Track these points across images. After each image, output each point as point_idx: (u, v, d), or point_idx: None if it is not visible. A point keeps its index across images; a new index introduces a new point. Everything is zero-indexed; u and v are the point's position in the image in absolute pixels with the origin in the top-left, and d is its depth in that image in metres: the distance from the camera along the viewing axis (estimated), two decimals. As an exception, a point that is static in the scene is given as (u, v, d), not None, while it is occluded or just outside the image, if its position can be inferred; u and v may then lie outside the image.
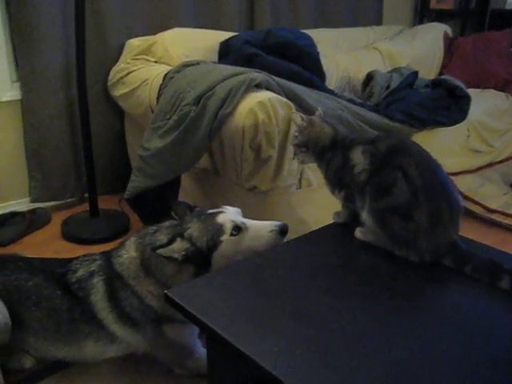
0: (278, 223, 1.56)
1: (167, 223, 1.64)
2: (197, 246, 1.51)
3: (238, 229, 1.53)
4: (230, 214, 1.57)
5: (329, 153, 1.44)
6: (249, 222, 1.56)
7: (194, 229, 1.53)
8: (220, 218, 1.55)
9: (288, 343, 1.00)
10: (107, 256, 1.66)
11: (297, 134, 1.48)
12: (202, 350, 1.65)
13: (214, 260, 1.52)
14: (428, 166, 1.30)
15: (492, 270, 1.22)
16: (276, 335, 1.02)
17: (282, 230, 1.54)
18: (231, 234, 1.52)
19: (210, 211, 1.60)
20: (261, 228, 1.55)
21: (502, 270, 1.20)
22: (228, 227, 1.52)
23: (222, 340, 1.01)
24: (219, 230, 1.52)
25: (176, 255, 1.49)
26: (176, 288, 1.16)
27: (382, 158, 1.32)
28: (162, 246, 1.49)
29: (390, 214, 1.30)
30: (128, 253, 1.62)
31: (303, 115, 1.47)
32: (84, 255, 1.74)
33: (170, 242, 1.50)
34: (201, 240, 1.51)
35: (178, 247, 1.49)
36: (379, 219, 1.32)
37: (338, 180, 1.43)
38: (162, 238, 1.56)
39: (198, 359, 1.64)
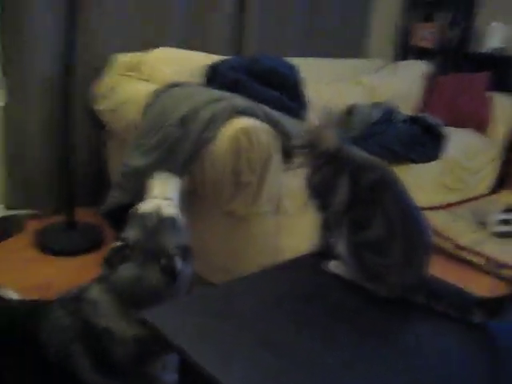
0: None
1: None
2: (180, 247, 1.47)
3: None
4: (163, 204, 1.52)
5: (325, 157, 1.43)
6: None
7: (171, 239, 1.46)
8: (165, 212, 1.50)
9: (253, 369, 1.02)
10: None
11: (302, 134, 1.47)
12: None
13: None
14: (406, 205, 1.34)
15: (462, 305, 1.26)
16: (242, 361, 1.04)
17: None
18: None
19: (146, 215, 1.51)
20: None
21: (472, 304, 1.24)
22: (176, 215, 1.50)
23: (191, 363, 1.03)
24: (174, 221, 1.50)
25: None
26: (151, 311, 1.18)
27: (363, 192, 1.34)
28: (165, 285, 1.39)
29: (365, 247, 1.32)
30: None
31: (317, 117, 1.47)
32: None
33: (171, 272, 1.40)
34: (175, 242, 1.46)
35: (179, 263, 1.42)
36: (354, 252, 1.34)
37: (319, 193, 1.44)
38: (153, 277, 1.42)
39: None
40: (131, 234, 1.47)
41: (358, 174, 1.36)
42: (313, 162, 1.46)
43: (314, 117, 1.47)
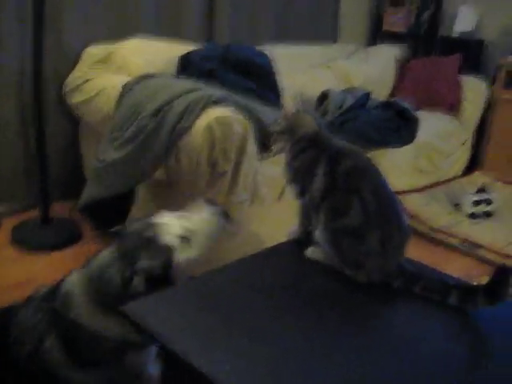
0: (212, 207, 1.52)
1: (106, 255, 1.47)
2: (153, 274, 1.38)
3: (186, 239, 1.45)
4: (169, 227, 1.45)
5: (303, 143, 1.43)
6: (191, 223, 1.48)
7: (143, 259, 1.39)
8: (163, 238, 1.43)
9: (240, 360, 1.03)
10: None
11: (280, 121, 1.47)
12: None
13: (177, 276, 1.44)
14: (382, 191, 1.35)
15: (440, 287, 1.28)
16: (229, 353, 1.05)
17: (223, 212, 1.51)
18: (182, 248, 1.44)
19: (145, 226, 1.47)
20: (204, 222, 1.49)
21: (450, 286, 1.26)
22: (175, 244, 1.42)
23: (176, 356, 1.04)
24: (167, 251, 1.41)
25: (140, 289, 1.35)
26: (132, 304, 1.18)
27: (340, 179, 1.35)
28: (120, 292, 1.36)
29: (342, 234, 1.34)
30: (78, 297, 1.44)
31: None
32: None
33: (127, 284, 1.36)
34: (155, 268, 1.39)
35: (139, 285, 1.36)
36: (331, 239, 1.35)
37: (299, 178, 1.44)
38: (114, 278, 1.40)
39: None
40: (133, 227, 1.47)
41: (336, 160, 1.37)
42: (291, 148, 1.46)
43: (289, 103, 1.47)
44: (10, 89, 2.70)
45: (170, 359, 1.12)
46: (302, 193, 1.45)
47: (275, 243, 1.52)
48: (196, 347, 1.06)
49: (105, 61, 2.69)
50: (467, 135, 3.83)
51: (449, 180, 3.72)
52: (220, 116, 2.02)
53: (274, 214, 2.30)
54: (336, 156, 1.39)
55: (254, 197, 2.24)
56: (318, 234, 1.39)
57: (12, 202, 2.86)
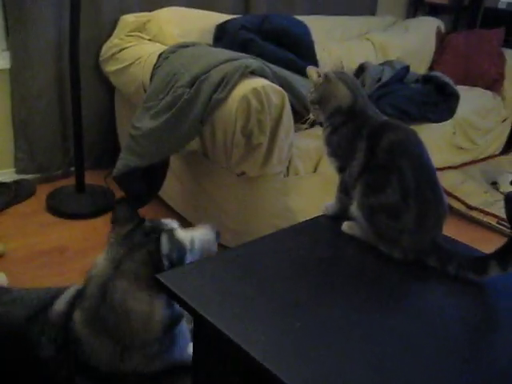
0: (209, 225, 1.49)
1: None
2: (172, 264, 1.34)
3: (191, 245, 1.42)
4: (180, 230, 1.44)
5: (340, 117, 1.40)
6: (193, 233, 1.45)
7: (164, 244, 1.34)
8: (179, 234, 1.40)
9: (275, 333, 1.02)
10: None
11: (312, 90, 1.44)
12: None
13: None
14: (423, 169, 1.32)
15: (475, 266, 1.25)
16: (264, 325, 1.05)
17: (217, 231, 1.49)
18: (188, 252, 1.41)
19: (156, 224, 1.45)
20: (204, 234, 1.46)
21: (486, 259, 1.23)
22: (188, 244, 1.40)
23: (210, 327, 1.04)
24: (183, 247, 1.38)
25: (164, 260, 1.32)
26: (167, 273, 1.18)
27: (380, 155, 1.32)
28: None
29: (378, 211, 1.32)
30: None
31: (319, 70, 1.41)
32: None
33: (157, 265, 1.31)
34: (172, 257, 1.34)
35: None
36: (367, 214, 1.34)
37: (340, 152, 1.41)
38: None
39: None
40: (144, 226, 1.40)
41: (377, 135, 1.34)
42: (328, 120, 1.43)
43: (313, 72, 1.42)
44: (47, 58, 2.71)
45: (202, 328, 1.12)
46: (342, 168, 1.42)
47: (310, 216, 1.50)
48: (230, 317, 1.05)
49: (140, 29, 2.68)
50: (508, 113, 3.71)
51: (487, 158, 3.64)
52: (256, 87, 1.99)
53: (308, 187, 2.27)
54: (377, 130, 1.36)
55: (288, 169, 2.22)
56: (354, 208, 1.37)
57: (47, 169, 2.89)
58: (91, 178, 2.81)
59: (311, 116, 1.51)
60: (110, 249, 1.39)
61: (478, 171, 3.38)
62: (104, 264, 1.36)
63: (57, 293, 1.48)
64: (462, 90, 3.16)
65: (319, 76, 1.42)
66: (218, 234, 1.48)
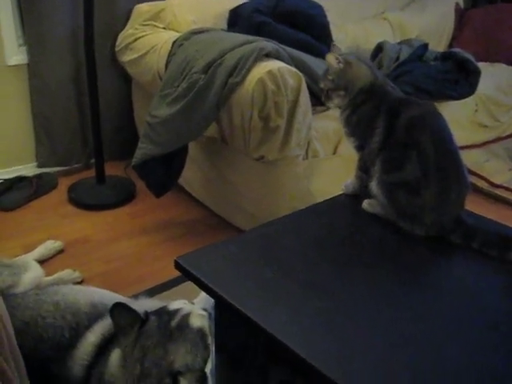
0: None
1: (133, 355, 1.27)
2: (196, 369, 1.22)
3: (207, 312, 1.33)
4: (196, 312, 1.32)
5: (361, 97, 1.38)
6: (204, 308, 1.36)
7: (181, 356, 1.22)
8: (194, 322, 1.28)
9: (296, 313, 1.02)
10: None
11: (331, 77, 1.40)
12: None
13: None
14: (444, 144, 1.30)
15: (500, 242, 1.23)
16: (285, 304, 1.04)
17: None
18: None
19: (172, 312, 1.32)
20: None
21: (510, 241, 1.21)
22: (207, 330, 1.28)
23: (231, 307, 1.03)
24: (204, 336, 1.26)
25: None
26: (185, 255, 1.18)
27: (398, 132, 1.30)
28: None
29: (398, 187, 1.30)
30: None
31: (338, 56, 1.38)
32: None
33: None
34: (197, 361, 1.22)
35: None
36: (387, 191, 1.32)
37: (359, 131, 1.39)
38: None
39: None
40: (149, 327, 1.29)
41: (396, 111, 1.32)
42: (350, 102, 1.41)
43: (332, 58, 1.39)
44: (63, 51, 2.72)
45: (223, 309, 1.11)
46: (361, 146, 1.40)
47: (330, 197, 1.48)
48: (251, 298, 1.05)
49: (155, 18, 2.66)
50: (531, 88, 3.63)
51: (510, 135, 3.56)
52: (272, 69, 1.97)
53: (328, 169, 2.25)
54: (396, 106, 1.34)
55: (306, 152, 2.20)
56: (374, 186, 1.35)
57: (68, 162, 2.92)
58: (112, 169, 2.82)
59: (331, 104, 1.47)
60: (126, 360, 1.28)
61: (502, 149, 3.31)
62: (122, 378, 1.28)
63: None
64: (484, 66, 3.10)
65: (339, 62, 1.39)
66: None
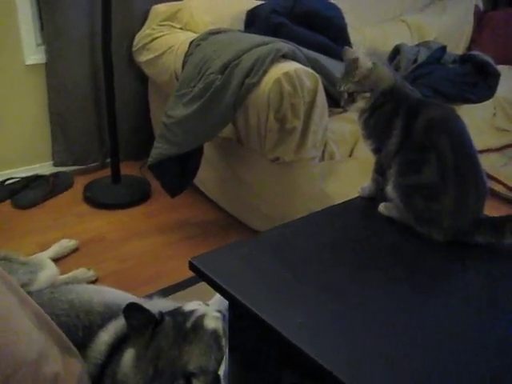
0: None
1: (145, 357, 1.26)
2: (209, 371, 1.21)
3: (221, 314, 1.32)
4: (210, 314, 1.31)
5: (382, 99, 1.36)
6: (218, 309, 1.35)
7: (195, 357, 1.21)
8: (209, 323, 1.27)
9: (311, 315, 1.01)
10: None
11: (357, 79, 1.35)
12: None
13: None
14: (464, 148, 1.28)
15: None
16: (299, 307, 1.03)
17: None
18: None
19: (187, 313, 1.31)
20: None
21: None
22: (221, 332, 1.27)
23: (245, 309, 1.02)
24: (218, 338, 1.25)
25: None
26: (199, 256, 1.17)
27: (416, 134, 1.28)
28: None
29: (415, 191, 1.28)
30: None
31: (367, 61, 1.34)
32: None
33: None
34: (210, 363, 1.21)
35: None
36: (404, 195, 1.30)
37: (376, 134, 1.37)
38: None
39: None
40: (164, 327, 1.28)
41: (414, 113, 1.30)
42: (372, 105, 1.38)
43: (365, 59, 1.36)
44: (81, 50, 2.74)
45: (237, 311, 1.10)
46: (378, 149, 1.38)
47: (346, 199, 1.47)
48: (265, 299, 1.04)
49: (171, 18, 2.67)
50: (551, 92, 3.58)
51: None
52: (289, 70, 1.96)
53: (344, 171, 2.24)
54: (415, 108, 1.32)
55: (323, 154, 2.19)
56: (390, 189, 1.33)
57: (84, 161, 2.93)
58: (127, 169, 2.83)
59: (353, 108, 1.44)
60: (139, 360, 1.27)
61: (520, 153, 3.27)
62: (135, 378, 1.27)
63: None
64: (503, 69, 3.06)
65: (370, 61, 1.34)
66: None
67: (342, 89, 1.40)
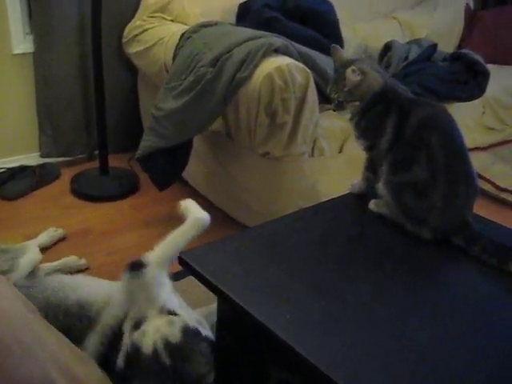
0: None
1: None
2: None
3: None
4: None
5: (372, 101, 1.36)
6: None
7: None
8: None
9: (300, 312, 1.00)
10: None
11: (347, 88, 1.35)
12: None
13: None
14: (454, 146, 1.29)
15: (500, 252, 1.21)
16: (288, 303, 1.03)
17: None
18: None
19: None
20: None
21: (510, 252, 1.19)
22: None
23: (233, 305, 1.02)
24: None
25: None
26: (189, 251, 1.16)
27: (407, 132, 1.29)
28: None
29: (405, 189, 1.29)
30: None
31: (355, 68, 1.34)
32: None
33: None
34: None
35: None
36: (394, 192, 1.31)
37: (369, 134, 1.38)
38: None
39: None
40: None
41: (405, 112, 1.31)
42: (363, 108, 1.38)
43: (351, 73, 1.35)
44: (70, 41, 2.70)
45: (226, 306, 1.10)
46: (370, 147, 1.39)
47: (335, 196, 1.47)
48: (254, 295, 1.04)
49: (163, 10, 2.65)
50: (539, 91, 3.60)
51: (517, 139, 3.54)
52: (280, 65, 1.95)
53: (333, 167, 2.24)
54: (407, 106, 1.32)
55: (313, 149, 2.18)
56: (381, 187, 1.34)
57: (71, 153, 2.90)
58: (115, 161, 2.81)
59: (343, 114, 1.44)
60: None
61: (509, 152, 3.29)
62: None
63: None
64: (492, 69, 3.07)
65: (358, 74, 1.34)
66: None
67: (332, 96, 1.41)
